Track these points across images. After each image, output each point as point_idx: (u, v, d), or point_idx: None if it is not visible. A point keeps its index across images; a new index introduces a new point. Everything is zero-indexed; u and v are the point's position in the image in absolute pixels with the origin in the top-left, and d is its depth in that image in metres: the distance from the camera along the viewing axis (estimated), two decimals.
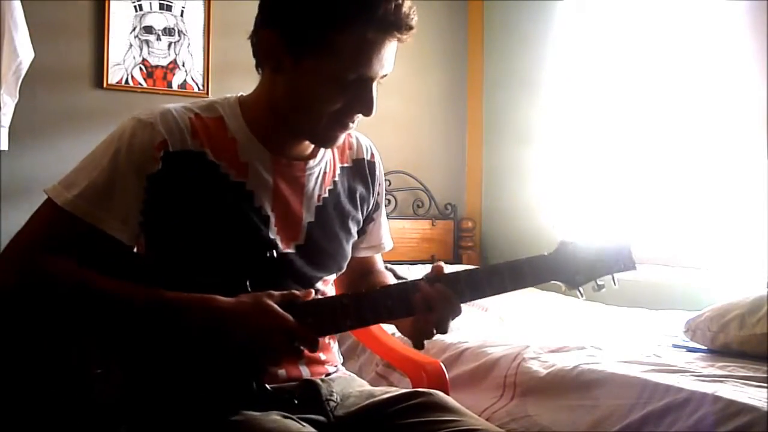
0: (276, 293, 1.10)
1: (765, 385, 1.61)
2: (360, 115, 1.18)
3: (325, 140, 1.21)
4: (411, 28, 1.12)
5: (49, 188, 1.13)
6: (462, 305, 1.13)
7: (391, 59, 1.15)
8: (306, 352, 1.23)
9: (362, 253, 1.41)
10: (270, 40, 1.13)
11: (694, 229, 2.79)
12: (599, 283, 1.18)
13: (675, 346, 2.09)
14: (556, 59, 3.41)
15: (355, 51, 1.09)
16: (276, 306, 1.08)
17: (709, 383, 1.62)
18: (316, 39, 1.09)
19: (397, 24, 1.10)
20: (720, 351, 1.96)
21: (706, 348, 2.01)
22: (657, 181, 2.94)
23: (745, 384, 1.63)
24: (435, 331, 1.12)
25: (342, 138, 1.22)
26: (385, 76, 1.16)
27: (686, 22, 2.86)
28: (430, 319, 1.11)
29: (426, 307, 1.11)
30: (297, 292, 1.12)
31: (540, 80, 3.49)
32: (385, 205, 1.47)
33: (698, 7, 2.82)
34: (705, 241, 2.77)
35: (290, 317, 1.07)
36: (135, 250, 1.24)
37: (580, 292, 1.18)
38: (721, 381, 1.65)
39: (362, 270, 1.42)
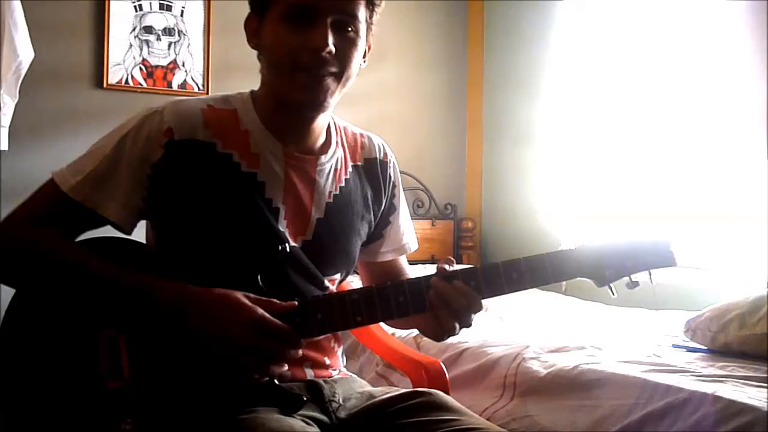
0: (253, 296, 1.07)
1: (765, 385, 1.61)
2: (327, 65, 1.13)
3: (302, 95, 1.15)
4: None
5: (57, 171, 1.16)
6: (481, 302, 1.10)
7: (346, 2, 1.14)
8: (312, 355, 1.23)
9: (385, 257, 1.39)
10: (249, 21, 1.20)
11: (695, 229, 2.79)
12: (633, 279, 1.12)
13: (675, 346, 2.09)
14: (556, 59, 3.41)
15: None
16: (244, 299, 1.05)
17: (709, 383, 1.62)
18: None
19: None
20: (720, 351, 1.96)
21: (706, 348, 2.01)
22: (657, 181, 2.94)
23: (745, 384, 1.63)
24: (457, 326, 1.11)
25: (324, 94, 1.15)
26: (344, 24, 1.13)
27: (686, 21, 2.86)
28: (449, 315, 1.10)
29: (443, 303, 1.09)
30: (276, 301, 1.08)
31: (540, 80, 3.49)
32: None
33: (698, 7, 2.82)
34: (705, 241, 2.76)
35: (259, 309, 1.04)
36: (145, 241, 1.24)
37: (611, 289, 1.13)
38: (721, 381, 1.65)
39: (387, 275, 1.39)
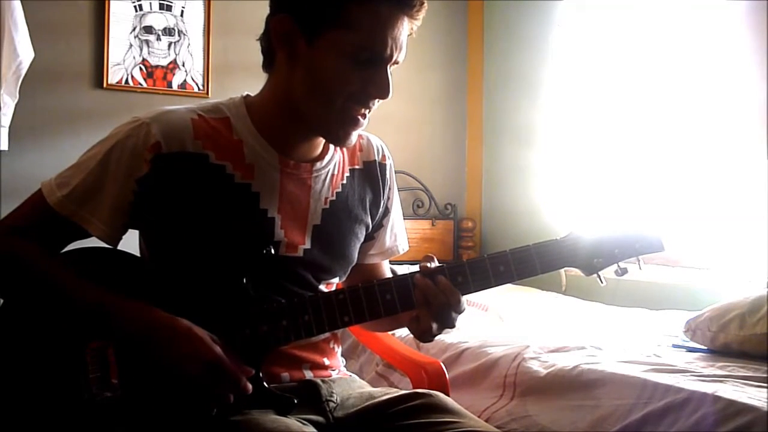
0: (218, 341, 1.05)
1: (765, 385, 1.61)
2: (372, 109, 1.14)
3: (338, 135, 1.16)
4: (422, 4, 1.10)
5: (45, 182, 1.15)
6: (464, 302, 1.10)
7: (403, 42, 1.12)
8: (311, 356, 1.23)
9: (372, 260, 1.37)
10: (283, 24, 1.11)
11: (695, 229, 2.79)
12: (622, 266, 1.11)
13: (675, 346, 2.09)
14: (556, 59, 3.41)
15: (369, 26, 1.07)
16: (206, 336, 1.04)
17: (709, 383, 1.62)
18: (330, 13, 1.07)
19: (409, 1, 1.09)
20: (720, 351, 1.96)
21: (706, 348, 2.01)
22: (657, 180, 2.94)
23: (745, 384, 1.63)
24: (435, 326, 1.09)
25: (354, 137, 1.18)
26: (396, 63, 1.13)
27: (686, 22, 2.86)
28: (428, 314, 1.09)
29: (424, 302, 1.09)
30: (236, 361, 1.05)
31: (540, 80, 3.49)
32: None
33: (698, 7, 2.82)
34: (705, 241, 2.76)
35: (218, 349, 1.03)
36: (138, 250, 1.24)
37: (600, 277, 1.12)
38: (721, 381, 1.65)
39: (369, 278, 1.35)
